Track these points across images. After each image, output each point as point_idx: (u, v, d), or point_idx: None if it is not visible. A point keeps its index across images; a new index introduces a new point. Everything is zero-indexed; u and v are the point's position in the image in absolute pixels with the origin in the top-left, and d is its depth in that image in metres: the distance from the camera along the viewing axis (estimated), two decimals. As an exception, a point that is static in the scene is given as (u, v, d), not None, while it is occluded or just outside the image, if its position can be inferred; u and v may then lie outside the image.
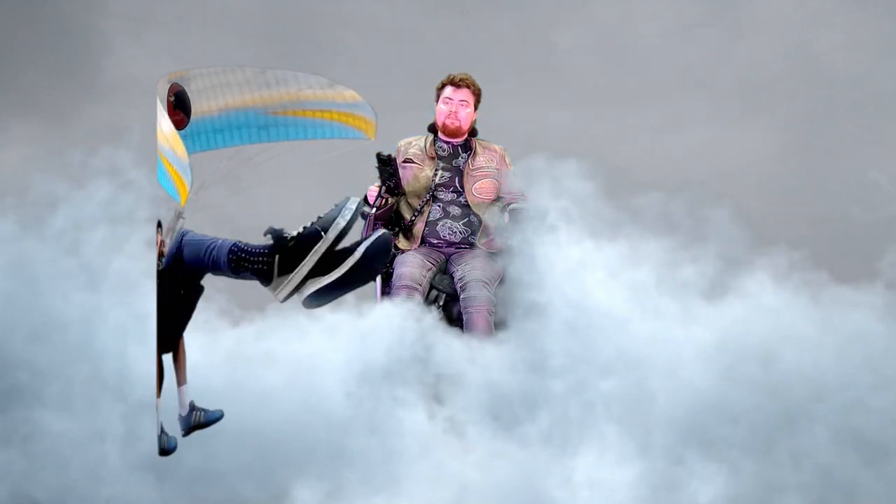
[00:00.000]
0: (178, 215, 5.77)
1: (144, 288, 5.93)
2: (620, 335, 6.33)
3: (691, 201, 6.09)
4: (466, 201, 6.70)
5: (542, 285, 6.41)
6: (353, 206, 5.45)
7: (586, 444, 5.97)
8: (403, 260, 6.58)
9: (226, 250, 5.60)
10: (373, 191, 6.68)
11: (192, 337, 5.80)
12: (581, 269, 6.49)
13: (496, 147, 6.78)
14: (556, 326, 6.14)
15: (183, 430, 5.70)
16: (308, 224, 5.50)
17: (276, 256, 5.49)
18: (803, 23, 8.65)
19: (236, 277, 5.61)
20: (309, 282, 5.53)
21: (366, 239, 5.53)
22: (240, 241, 5.56)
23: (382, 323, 6.34)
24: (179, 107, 5.96)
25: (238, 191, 6.00)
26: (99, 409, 5.81)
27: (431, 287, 6.68)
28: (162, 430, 5.56)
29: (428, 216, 6.67)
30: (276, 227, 5.51)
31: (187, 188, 5.80)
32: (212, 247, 5.65)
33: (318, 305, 5.64)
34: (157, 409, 5.64)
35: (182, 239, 5.56)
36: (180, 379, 5.78)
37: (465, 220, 6.73)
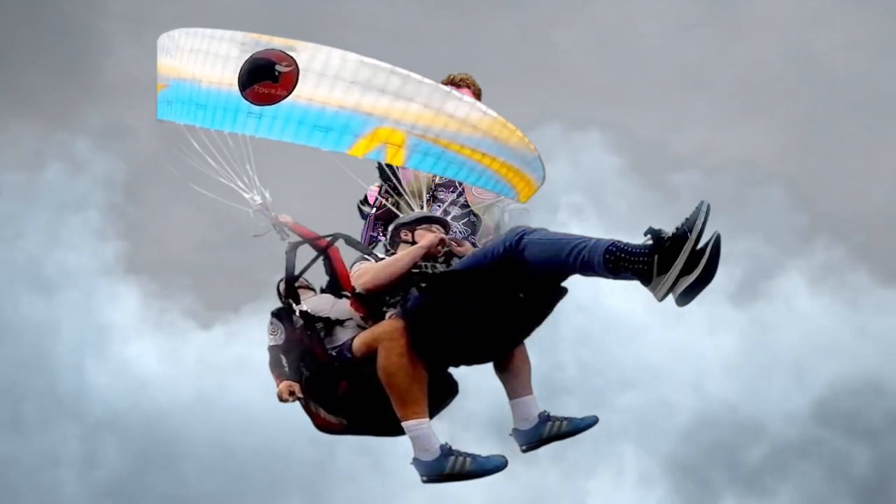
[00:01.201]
0: (520, 211, 5.17)
1: (104, 289, 4.82)
2: (639, 344, 5.07)
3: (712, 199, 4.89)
4: (466, 201, 5.92)
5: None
6: (706, 209, 4.88)
7: (601, 465, 4.81)
8: None
9: (601, 250, 4.83)
10: (373, 191, 5.95)
11: (155, 342, 4.70)
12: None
13: None
14: (567, 334, 4.98)
15: (524, 444, 4.94)
16: (679, 224, 4.89)
17: (655, 256, 4.85)
18: (803, 23, 7.77)
19: (613, 278, 4.88)
20: (680, 280, 4.89)
21: (710, 240, 4.91)
22: (618, 241, 4.84)
23: None
24: (270, 79, 4.96)
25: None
26: (53, 430, 4.59)
27: None
28: (450, 452, 4.80)
29: None
30: (655, 227, 4.92)
31: (532, 183, 5.06)
32: (580, 246, 4.83)
33: (688, 303, 4.91)
34: (421, 430, 4.78)
35: (521, 238, 4.71)
36: (518, 390, 5.00)
37: (465, 220, 5.93)
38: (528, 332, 4.85)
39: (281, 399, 4.97)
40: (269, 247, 6.84)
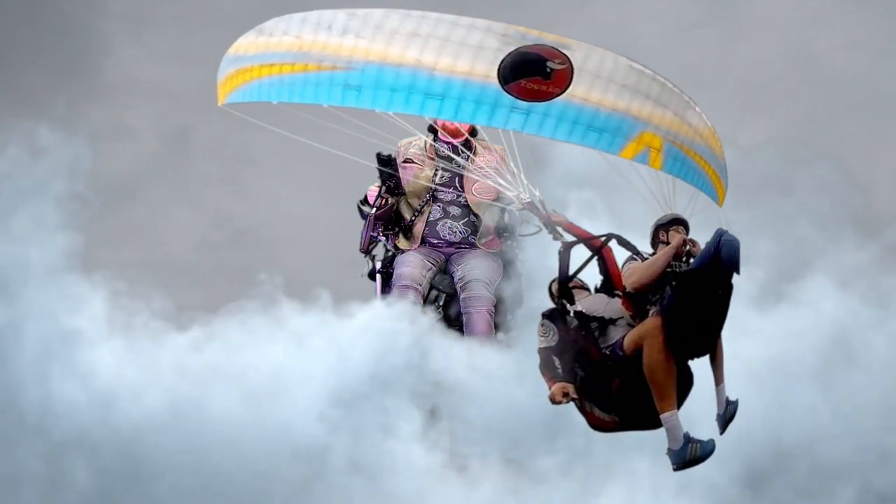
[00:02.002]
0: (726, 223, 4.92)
1: (72, 293, 4.18)
2: None
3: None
4: (466, 201, 5.91)
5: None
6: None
7: (613, 481, 4.14)
8: (403, 260, 5.87)
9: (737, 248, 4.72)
10: (373, 191, 5.94)
11: (125, 348, 4.04)
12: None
13: (496, 147, 5.88)
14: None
15: (721, 426, 4.75)
16: None
17: None
18: (803, 23, 7.31)
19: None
20: None
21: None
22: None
23: (371, 325, 5.19)
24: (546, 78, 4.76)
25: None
26: (15, 447, 3.88)
27: (431, 287, 5.88)
28: (689, 440, 4.67)
29: (428, 216, 5.91)
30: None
31: (724, 188, 5.01)
32: (735, 247, 4.75)
33: None
34: (674, 422, 4.66)
35: (720, 239, 4.70)
36: (718, 378, 4.86)
37: (465, 219, 5.92)
38: (723, 325, 4.78)
39: (553, 401, 4.82)
40: (271, 247, 6.22)
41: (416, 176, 5.94)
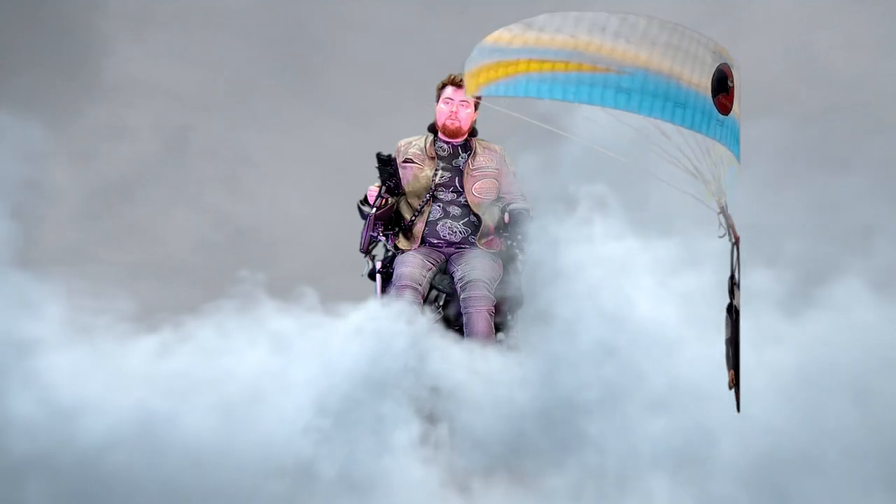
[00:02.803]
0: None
1: (34, 298, 3.66)
2: (672, 360, 4.14)
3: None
4: (466, 201, 5.69)
5: (570, 295, 4.46)
6: None
7: (628, 501, 3.49)
8: (403, 260, 5.65)
9: None
10: (373, 191, 5.71)
11: (87, 358, 3.51)
12: (621, 273, 4.44)
13: (496, 147, 5.82)
14: (588, 348, 3.82)
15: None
16: None
17: None
18: (803, 23, 6.88)
19: None
20: None
21: None
22: None
23: (365, 326, 4.67)
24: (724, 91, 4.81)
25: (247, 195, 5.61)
26: None
27: (431, 287, 5.65)
28: None
29: (428, 216, 5.69)
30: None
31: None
32: None
33: None
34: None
35: None
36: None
37: (465, 220, 5.69)
38: None
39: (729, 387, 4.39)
40: (271, 247, 5.85)
41: (416, 176, 5.73)
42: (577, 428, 4.07)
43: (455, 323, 5.59)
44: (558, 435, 4.13)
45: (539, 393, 4.18)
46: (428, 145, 5.75)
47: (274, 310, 4.47)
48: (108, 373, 3.90)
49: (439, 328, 5.26)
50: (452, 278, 5.63)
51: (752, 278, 4.22)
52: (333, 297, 4.91)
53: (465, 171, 5.70)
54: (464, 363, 4.69)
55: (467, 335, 5.47)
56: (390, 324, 4.72)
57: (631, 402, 4.09)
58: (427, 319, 5.00)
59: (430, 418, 4.78)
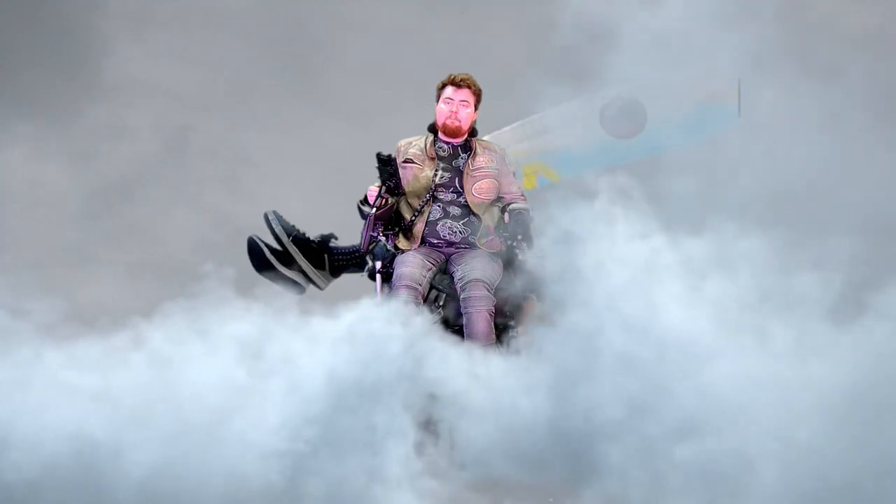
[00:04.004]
0: None
1: None
2: (704, 376, 3.60)
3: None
4: (466, 201, 5.69)
5: (588, 301, 3.93)
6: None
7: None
8: (403, 260, 5.65)
9: None
10: (373, 191, 5.73)
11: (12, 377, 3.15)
12: (647, 276, 3.92)
13: (496, 147, 5.82)
14: (609, 362, 3.71)
15: None
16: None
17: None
18: None
19: None
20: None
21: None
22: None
23: (357, 328, 4.22)
24: None
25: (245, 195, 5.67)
26: None
27: (431, 287, 5.64)
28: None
29: (428, 216, 5.69)
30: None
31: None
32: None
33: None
34: None
35: None
36: None
37: (465, 220, 5.69)
38: None
39: None
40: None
41: (416, 176, 5.73)
42: (594, 451, 3.58)
43: (454, 324, 5.58)
44: (572, 456, 3.68)
45: (547, 401, 3.75)
46: (428, 145, 5.75)
47: (243, 310, 4.02)
48: (40, 392, 3.51)
49: (438, 330, 4.98)
50: (452, 278, 5.61)
51: (796, 282, 3.70)
52: (334, 298, 4.85)
53: (465, 172, 5.70)
54: (464, 368, 4.27)
55: (467, 336, 5.45)
56: (384, 325, 4.29)
57: (656, 423, 3.57)
58: (424, 320, 4.67)
59: (427, 429, 4.39)
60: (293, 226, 5.64)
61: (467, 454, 4.02)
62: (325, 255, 5.56)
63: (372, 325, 4.32)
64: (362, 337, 4.23)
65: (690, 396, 3.59)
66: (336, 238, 5.64)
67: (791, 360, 3.56)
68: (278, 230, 5.47)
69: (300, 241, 5.67)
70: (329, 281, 5.59)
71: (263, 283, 4.96)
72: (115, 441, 3.50)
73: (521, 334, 5.00)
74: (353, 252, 5.57)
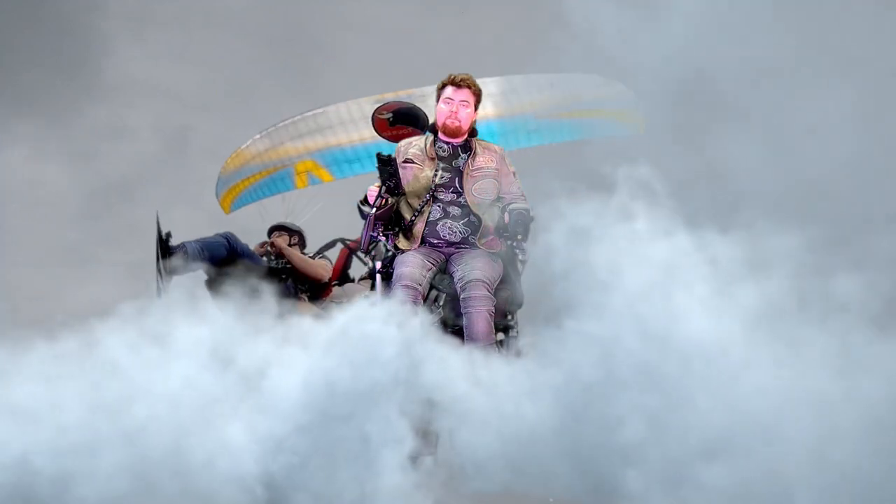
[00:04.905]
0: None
1: None
2: (734, 390, 3.13)
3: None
4: (466, 202, 5.67)
5: (604, 304, 3.48)
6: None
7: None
8: (403, 260, 5.63)
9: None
10: (373, 191, 5.70)
11: None
12: (669, 278, 3.44)
13: (496, 147, 5.82)
14: (626, 374, 3.21)
15: None
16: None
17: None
18: None
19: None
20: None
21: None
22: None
23: (350, 330, 3.79)
24: (402, 122, 5.46)
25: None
26: None
27: (431, 287, 5.61)
28: None
29: (428, 216, 5.67)
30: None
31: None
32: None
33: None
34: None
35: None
36: None
37: (465, 220, 5.66)
38: None
39: None
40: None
41: (416, 176, 5.71)
42: (609, 466, 3.15)
43: (453, 325, 5.55)
44: (583, 470, 3.27)
45: (554, 409, 3.39)
46: (428, 146, 5.73)
47: (211, 312, 3.61)
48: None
49: (436, 331, 4.72)
50: (452, 278, 5.58)
51: (836, 285, 3.27)
52: (342, 299, 4.82)
53: (464, 172, 5.69)
54: (464, 371, 3.94)
55: (467, 335, 5.43)
56: (379, 326, 3.95)
57: (681, 443, 3.15)
58: (422, 321, 4.40)
59: (425, 437, 4.10)
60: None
61: (468, 465, 3.71)
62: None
63: (366, 326, 4.01)
64: (355, 339, 3.92)
65: (719, 413, 3.20)
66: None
67: (831, 372, 3.20)
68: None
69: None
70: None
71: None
72: (63, 472, 3.01)
73: (523, 335, 4.86)
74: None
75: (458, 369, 3.98)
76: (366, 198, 5.75)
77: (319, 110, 6.10)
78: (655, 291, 3.43)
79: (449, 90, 5.72)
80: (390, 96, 5.73)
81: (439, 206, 5.69)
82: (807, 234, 3.34)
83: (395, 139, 5.28)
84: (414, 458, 3.78)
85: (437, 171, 5.70)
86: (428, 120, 5.33)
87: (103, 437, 3.12)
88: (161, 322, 3.56)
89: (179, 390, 3.35)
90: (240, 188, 5.99)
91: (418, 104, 5.67)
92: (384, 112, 5.42)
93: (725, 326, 3.29)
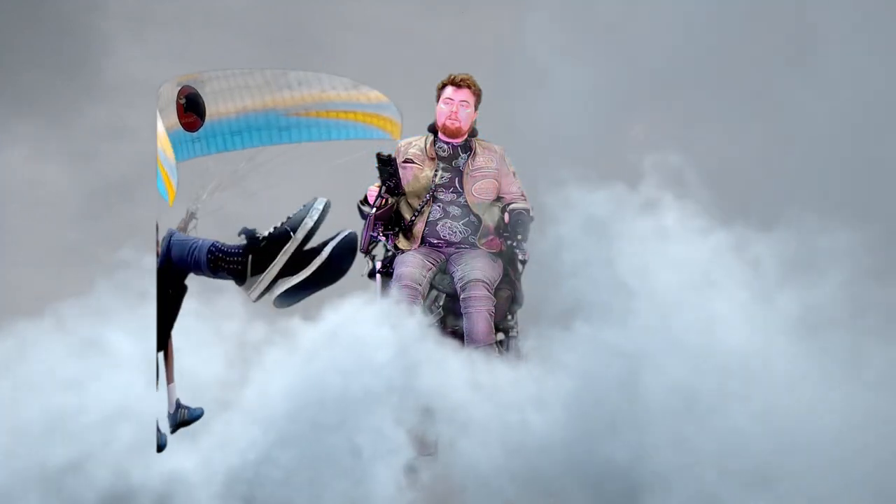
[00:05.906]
0: (191, 216, 4.99)
1: None
2: (779, 413, 2.80)
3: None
4: (466, 202, 5.69)
5: (629, 313, 3.17)
6: (321, 207, 4.75)
7: None
8: (403, 260, 5.66)
9: (205, 250, 4.72)
10: (373, 191, 5.73)
11: None
12: (704, 283, 3.08)
13: (496, 147, 5.81)
14: (655, 393, 2.87)
15: (171, 426, 4.20)
16: (278, 224, 4.74)
17: (249, 256, 4.66)
18: None
19: (214, 277, 4.69)
20: (279, 281, 4.59)
21: (332, 239, 4.69)
22: (217, 242, 4.75)
23: (341, 332, 3.61)
24: (191, 109, 5.16)
25: (249, 194, 5.03)
26: None
27: (431, 287, 5.64)
28: (157, 428, 4.09)
29: (428, 216, 5.69)
30: (249, 227, 4.69)
31: (174, 188, 4.99)
32: (194, 247, 4.75)
33: (288, 305, 4.57)
34: (167, 399, 3.84)
35: (170, 239, 4.78)
36: (169, 377, 4.35)
37: (465, 220, 5.69)
38: (172, 326, 4.44)
39: None
40: None
41: (416, 176, 5.73)
42: (631, 474, 2.82)
43: (453, 326, 5.57)
44: (595, 485, 2.95)
45: (563, 419, 3.08)
46: (428, 146, 5.75)
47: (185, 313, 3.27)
48: None
49: (435, 333, 4.50)
50: (452, 278, 5.60)
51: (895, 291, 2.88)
52: (334, 297, 4.84)
53: (464, 172, 5.71)
54: (464, 376, 3.66)
55: (467, 336, 5.44)
56: (372, 328, 3.71)
57: (720, 473, 2.78)
58: (418, 322, 4.18)
59: (422, 448, 3.85)
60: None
61: (469, 478, 3.43)
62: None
63: (358, 327, 3.77)
64: (347, 341, 3.70)
65: (762, 439, 2.82)
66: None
67: (889, 390, 2.85)
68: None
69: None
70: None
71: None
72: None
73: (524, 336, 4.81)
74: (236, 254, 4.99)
75: (458, 374, 3.72)
76: (366, 198, 5.76)
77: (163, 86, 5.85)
78: (687, 295, 3.08)
79: (449, 90, 5.73)
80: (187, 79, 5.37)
81: (439, 206, 5.71)
82: (863, 232, 3.01)
83: (191, 127, 5.05)
84: (410, 470, 3.58)
85: (437, 171, 5.72)
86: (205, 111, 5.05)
87: (32, 457, 2.79)
88: (113, 321, 3.35)
89: (125, 399, 3.07)
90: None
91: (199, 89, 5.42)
92: (181, 97, 5.10)
93: (768, 339, 2.96)
